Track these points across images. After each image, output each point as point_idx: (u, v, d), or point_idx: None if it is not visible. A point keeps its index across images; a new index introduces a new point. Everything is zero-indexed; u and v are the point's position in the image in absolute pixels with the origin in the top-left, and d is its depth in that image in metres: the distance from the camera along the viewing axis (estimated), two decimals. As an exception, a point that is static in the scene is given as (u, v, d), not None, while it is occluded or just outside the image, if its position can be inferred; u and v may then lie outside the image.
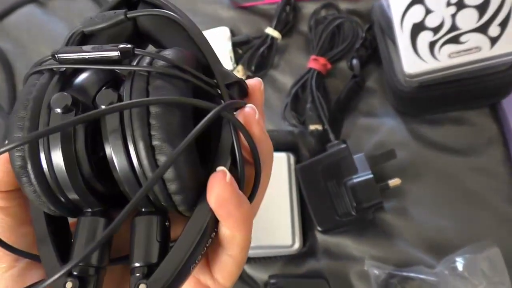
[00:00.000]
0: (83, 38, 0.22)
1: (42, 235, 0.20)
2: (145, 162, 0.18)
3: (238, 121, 0.20)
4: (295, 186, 0.47)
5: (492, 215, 0.44)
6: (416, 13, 0.42)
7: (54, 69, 0.20)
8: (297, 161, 0.49)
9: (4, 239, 0.20)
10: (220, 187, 0.18)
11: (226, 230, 0.20)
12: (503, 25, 0.38)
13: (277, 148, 0.49)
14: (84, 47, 0.20)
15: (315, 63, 0.50)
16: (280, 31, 0.53)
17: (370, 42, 0.50)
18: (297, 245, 0.45)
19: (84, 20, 0.22)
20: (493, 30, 0.39)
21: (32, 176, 0.19)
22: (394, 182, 0.43)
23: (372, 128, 0.49)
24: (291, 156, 0.48)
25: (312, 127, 0.48)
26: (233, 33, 0.54)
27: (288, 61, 0.53)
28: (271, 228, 0.45)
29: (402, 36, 0.42)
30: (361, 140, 0.49)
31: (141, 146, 0.18)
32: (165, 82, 0.19)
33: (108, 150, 0.19)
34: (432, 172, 0.46)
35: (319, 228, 0.44)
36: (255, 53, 0.52)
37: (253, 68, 0.52)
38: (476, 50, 0.39)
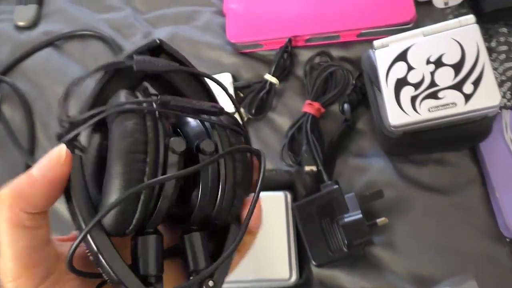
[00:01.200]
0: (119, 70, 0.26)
1: (113, 254, 0.23)
2: (229, 195, 0.25)
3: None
4: (292, 223, 0.51)
5: (471, 250, 0.48)
6: (400, 69, 0.46)
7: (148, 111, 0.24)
8: (294, 199, 0.54)
9: (30, 258, 0.22)
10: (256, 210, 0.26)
11: (251, 235, 0.28)
12: (476, 83, 0.43)
13: (276, 187, 0.54)
14: (187, 100, 0.25)
15: (310, 107, 0.55)
16: (277, 77, 0.57)
17: (360, 88, 0.55)
18: (294, 278, 0.50)
19: (137, 60, 0.25)
20: (467, 87, 0.43)
21: (140, 205, 0.22)
22: (381, 221, 0.48)
23: (362, 168, 0.53)
24: (288, 195, 0.52)
25: (307, 168, 0.52)
26: (235, 78, 0.59)
27: (285, 103, 0.58)
28: (270, 262, 0.50)
29: (387, 90, 0.46)
30: (352, 179, 0.53)
31: (231, 182, 0.25)
32: (236, 136, 0.27)
33: (205, 188, 0.24)
34: (417, 209, 0.50)
35: (314, 263, 0.49)
36: (255, 97, 0.57)
37: (253, 111, 0.57)
38: (452, 105, 0.43)
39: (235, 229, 0.26)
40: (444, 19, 0.56)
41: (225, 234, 0.27)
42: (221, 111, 0.26)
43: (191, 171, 0.23)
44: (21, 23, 0.67)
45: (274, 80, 0.57)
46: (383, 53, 0.48)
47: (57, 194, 0.23)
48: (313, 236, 0.49)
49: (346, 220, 0.47)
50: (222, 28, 0.62)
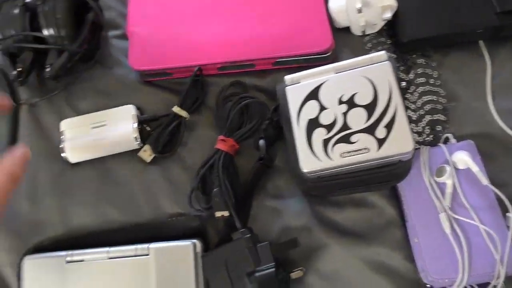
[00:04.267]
0: None
1: None
2: None
3: None
4: (202, 278, 0.46)
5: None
6: (312, 109, 0.42)
7: None
8: (206, 248, 0.48)
9: None
10: None
11: None
12: (389, 127, 0.40)
13: (185, 234, 0.48)
14: None
15: (223, 144, 0.50)
16: (188, 109, 0.52)
17: (277, 122, 0.51)
18: None
19: None
20: (380, 132, 0.40)
21: None
22: (296, 274, 0.44)
23: (278, 211, 0.49)
24: (197, 244, 0.47)
25: (218, 214, 0.47)
26: (141, 111, 0.53)
27: (198, 138, 0.53)
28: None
29: (299, 132, 0.42)
30: (268, 224, 0.49)
31: None
32: None
33: None
34: (335, 257, 0.47)
35: (223, 324, 0.44)
36: (163, 132, 0.51)
37: (159, 148, 0.51)
38: (365, 151, 0.40)
39: None
40: (363, 47, 0.54)
41: None
42: None
43: None
44: None
45: (183, 113, 0.51)
46: (294, 90, 0.44)
47: None
48: (223, 293, 0.44)
49: (257, 274, 0.43)
50: (125, 54, 0.55)
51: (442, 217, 0.45)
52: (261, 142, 0.50)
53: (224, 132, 0.51)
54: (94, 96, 0.54)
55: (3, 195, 0.35)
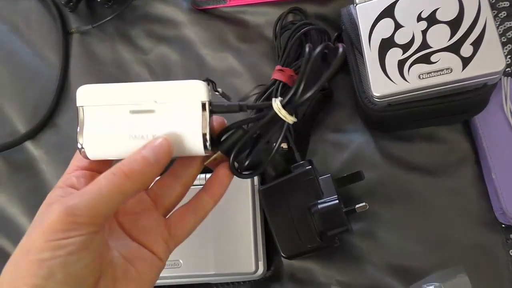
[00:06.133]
0: None
1: None
2: None
3: None
4: (259, 209, 0.44)
5: (462, 238, 0.42)
6: (385, 28, 0.38)
7: None
8: (262, 181, 0.46)
9: None
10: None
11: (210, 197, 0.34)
12: (476, 45, 0.36)
13: (240, 168, 0.46)
14: None
15: (281, 74, 0.47)
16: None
17: (339, 51, 0.47)
18: (260, 271, 0.43)
19: None
20: (466, 50, 0.36)
21: None
22: (361, 207, 0.41)
23: (340, 144, 0.46)
24: (255, 177, 0.45)
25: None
26: (214, 85, 0.31)
27: (252, 69, 0.50)
28: (234, 253, 0.43)
29: (370, 53, 0.38)
30: (328, 158, 0.46)
31: None
32: None
33: None
34: (401, 193, 0.44)
35: (283, 255, 0.42)
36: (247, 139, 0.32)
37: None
38: (447, 71, 0.36)
39: None
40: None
41: None
42: None
43: None
44: None
45: (289, 118, 0.31)
46: (365, 8, 0.40)
47: None
48: (282, 224, 0.42)
49: (319, 206, 0.41)
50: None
51: (526, 151, 0.41)
52: (322, 72, 0.47)
53: (282, 62, 0.48)
54: (145, 24, 0.51)
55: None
